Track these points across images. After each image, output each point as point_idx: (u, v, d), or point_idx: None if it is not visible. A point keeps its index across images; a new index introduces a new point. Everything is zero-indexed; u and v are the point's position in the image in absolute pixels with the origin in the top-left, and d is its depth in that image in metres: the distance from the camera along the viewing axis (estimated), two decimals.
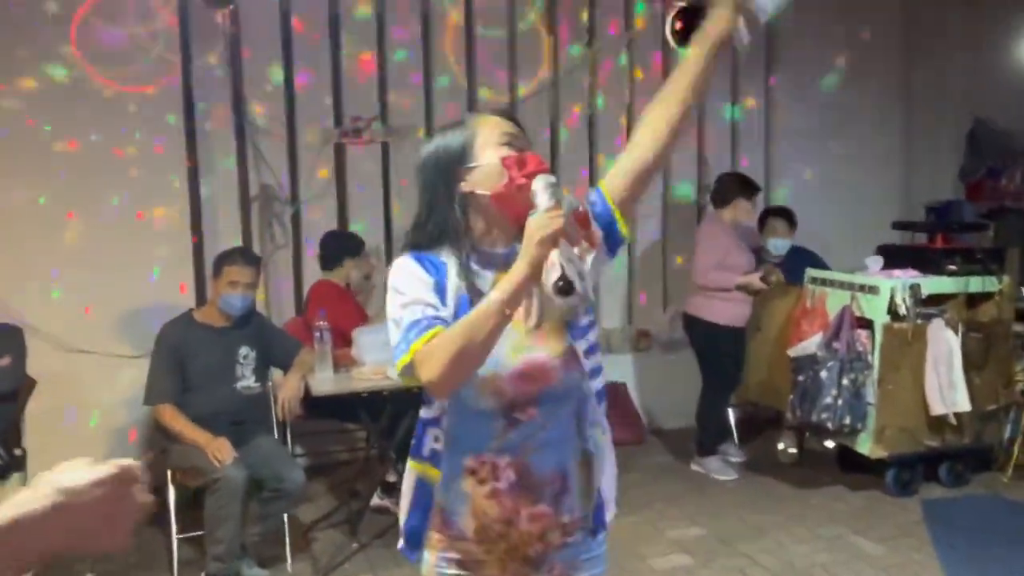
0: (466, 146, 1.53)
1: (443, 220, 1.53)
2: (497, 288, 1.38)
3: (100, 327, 4.34)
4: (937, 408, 4.08)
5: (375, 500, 3.98)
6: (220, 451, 3.19)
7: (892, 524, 3.92)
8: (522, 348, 1.47)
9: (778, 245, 4.80)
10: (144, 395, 3.43)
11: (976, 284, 4.25)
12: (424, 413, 1.60)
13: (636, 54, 5.26)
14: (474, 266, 1.52)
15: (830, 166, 5.71)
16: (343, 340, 3.77)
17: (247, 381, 3.51)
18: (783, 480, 4.48)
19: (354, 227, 4.70)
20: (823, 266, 4.70)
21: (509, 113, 1.63)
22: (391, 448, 3.72)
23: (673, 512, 4.08)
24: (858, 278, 4.22)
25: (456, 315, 1.46)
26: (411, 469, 1.63)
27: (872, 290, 4.10)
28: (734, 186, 4.61)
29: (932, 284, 4.17)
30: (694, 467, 4.64)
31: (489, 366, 1.44)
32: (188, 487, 3.42)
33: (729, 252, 4.51)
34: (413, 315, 1.44)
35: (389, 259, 4.85)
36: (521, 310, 1.45)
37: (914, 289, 4.07)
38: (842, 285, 4.25)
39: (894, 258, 4.42)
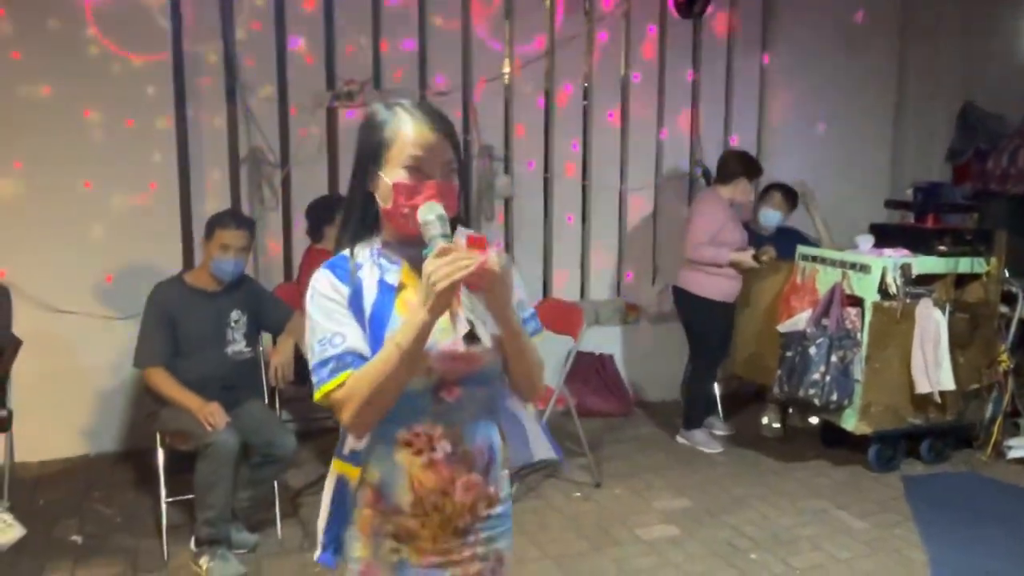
0: (381, 148, 1.51)
1: (357, 214, 1.57)
2: (400, 333, 1.40)
3: (87, 288, 4.29)
4: (922, 386, 4.14)
5: None
6: (213, 416, 3.16)
7: (873, 499, 3.99)
8: (450, 330, 1.45)
9: (769, 216, 4.81)
10: (134, 357, 3.38)
11: (965, 265, 4.30)
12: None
13: (632, 27, 5.22)
14: (383, 261, 1.55)
15: (822, 145, 5.71)
16: None
17: (238, 346, 3.48)
18: (767, 454, 4.54)
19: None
20: (811, 246, 4.72)
21: (437, 122, 1.53)
22: None
23: (659, 483, 4.12)
24: (849, 256, 4.25)
25: (372, 319, 1.49)
26: (332, 471, 1.63)
27: (863, 268, 4.13)
28: (739, 165, 4.60)
29: (922, 264, 4.21)
30: (680, 439, 4.69)
31: None
32: (178, 451, 3.40)
33: (724, 228, 4.51)
34: (324, 350, 1.47)
35: None
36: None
37: (905, 268, 4.11)
38: (833, 263, 4.28)
39: (885, 237, 4.46)
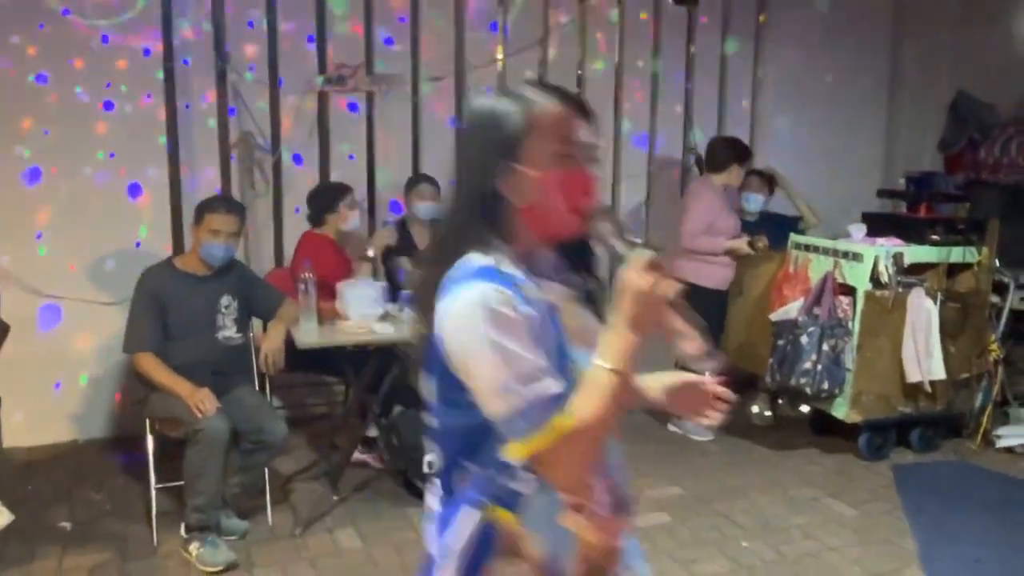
0: (515, 137, 1.23)
1: (478, 218, 1.25)
2: (613, 358, 1.15)
3: (77, 274, 4.25)
4: (913, 375, 4.15)
5: (355, 454, 3.97)
6: (203, 402, 3.14)
7: (864, 487, 4.00)
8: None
9: (752, 200, 4.80)
10: (123, 342, 3.36)
11: (957, 254, 4.30)
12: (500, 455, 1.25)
13: (627, 13, 5.19)
14: (534, 276, 1.26)
15: (815, 133, 5.70)
16: (328, 293, 3.72)
17: (228, 331, 3.45)
18: (758, 442, 4.55)
19: (335, 177, 4.61)
20: (797, 229, 4.73)
21: (583, 106, 1.29)
22: (374, 403, 3.70)
23: (651, 471, 4.12)
24: (842, 245, 4.25)
25: (557, 349, 1.21)
26: (470, 515, 1.28)
27: (856, 257, 4.13)
28: (730, 151, 4.60)
29: (914, 253, 4.21)
30: (672, 428, 4.69)
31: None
32: (167, 437, 3.38)
33: (719, 216, 4.51)
34: (529, 392, 1.14)
35: (372, 213, 4.79)
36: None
37: (897, 257, 4.11)
38: (825, 252, 4.28)
39: (877, 226, 4.46)
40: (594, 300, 1.25)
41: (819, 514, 3.71)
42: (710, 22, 5.40)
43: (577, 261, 1.35)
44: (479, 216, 1.25)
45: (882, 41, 5.86)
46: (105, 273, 4.28)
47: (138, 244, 4.30)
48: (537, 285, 1.25)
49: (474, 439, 1.23)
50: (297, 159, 4.62)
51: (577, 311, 1.33)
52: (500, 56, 4.94)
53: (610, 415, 1.15)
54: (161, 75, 4.29)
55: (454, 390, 1.22)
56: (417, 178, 4.49)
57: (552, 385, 1.16)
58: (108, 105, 4.24)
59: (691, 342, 1.17)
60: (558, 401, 1.15)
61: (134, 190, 4.34)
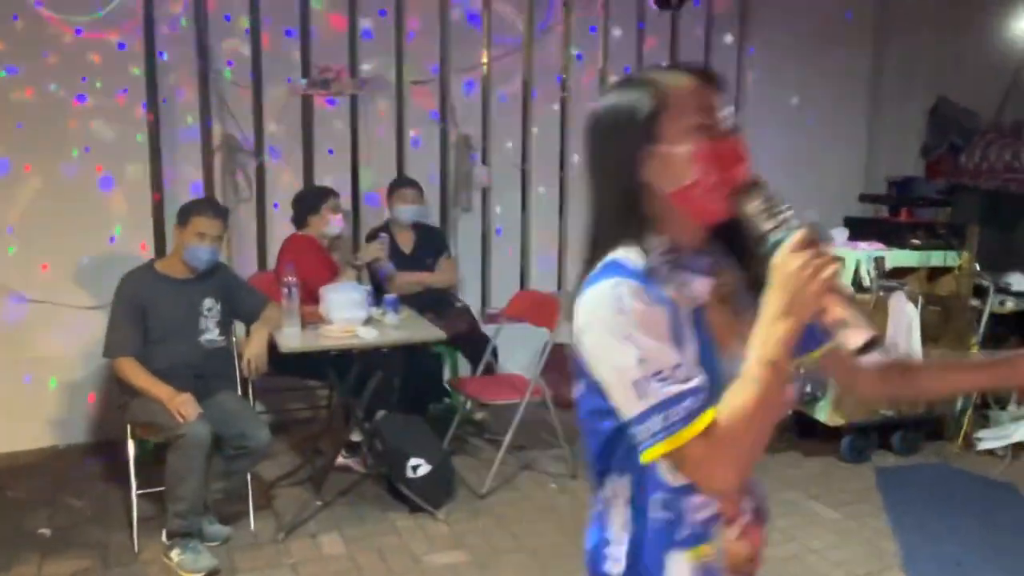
0: (650, 119, 1.16)
1: (621, 213, 1.19)
2: (767, 348, 1.05)
3: (57, 277, 4.22)
4: None
5: (339, 459, 3.95)
6: (184, 407, 3.12)
7: (846, 490, 4.02)
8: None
9: None
10: (104, 347, 3.33)
11: (938, 258, 4.34)
12: (670, 480, 1.19)
13: (611, 18, 5.20)
14: (681, 271, 1.18)
15: (798, 138, 5.74)
16: (312, 296, 3.71)
17: (211, 334, 3.43)
18: None
19: (320, 181, 4.60)
20: None
21: (710, 75, 1.22)
22: (358, 407, 3.69)
23: None
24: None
25: (701, 352, 1.14)
26: (682, 563, 1.21)
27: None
28: None
29: (896, 257, 4.25)
30: None
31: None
32: (149, 442, 3.35)
33: None
34: (662, 388, 1.08)
35: (356, 215, 4.78)
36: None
37: (879, 261, 4.14)
38: None
39: (859, 230, 4.49)
40: (758, 293, 1.10)
41: (801, 516, 3.72)
42: (692, 27, 5.42)
43: (738, 249, 1.22)
44: (624, 211, 1.19)
45: (864, 47, 5.91)
46: (86, 276, 4.25)
47: (112, 239, 4.26)
48: (685, 281, 1.17)
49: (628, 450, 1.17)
50: (274, 153, 4.58)
51: (733, 310, 1.22)
52: (485, 60, 4.94)
53: (764, 412, 1.06)
54: (143, 76, 4.27)
55: (601, 396, 1.16)
56: (399, 181, 4.49)
57: (692, 379, 1.09)
58: (82, 98, 4.20)
59: (855, 331, 1.02)
60: (699, 395, 1.08)
61: (105, 184, 4.29)
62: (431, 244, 4.58)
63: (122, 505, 3.56)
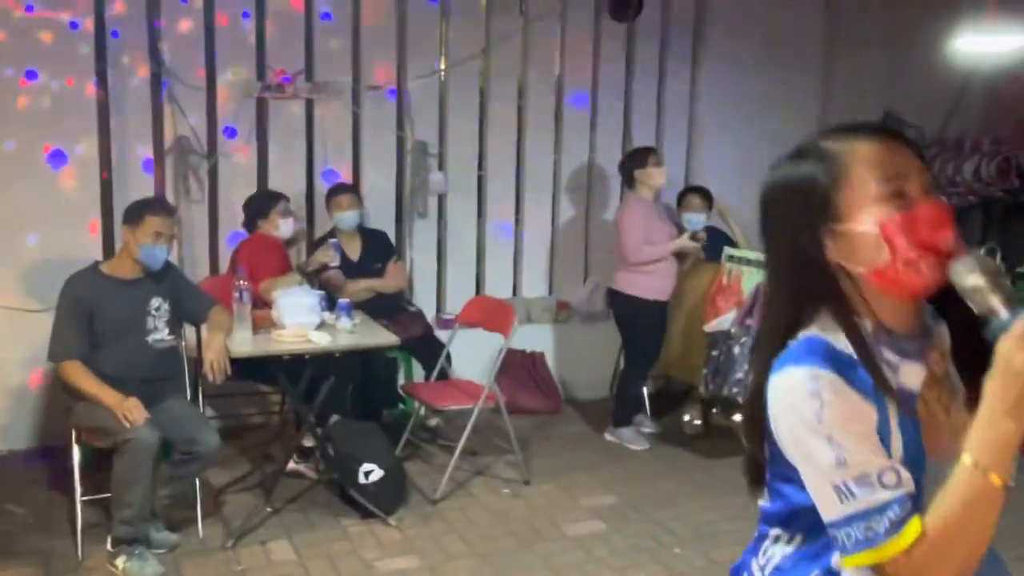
0: (827, 195, 1.07)
1: (814, 296, 1.09)
2: (987, 456, 0.94)
3: (1, 280, 4.12)
4: None
5: (290, 464, 3.92)
6: (131, 412, 3.07)
7: None
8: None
9: (693, 220, 4.87)
10: (49, 351, 3.27)
11: None
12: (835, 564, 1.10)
13: (567, 27, 5.25)
14: (888, 353, 1.07)
15: (751, 149, 5.82)
16: (263, 300, 3.69)
17: (159, 334, 3.38)
18: (692, 451, 4.62)
19: (274, 186, 4.57)
20: (735, 245, 4.83)
21: (894, 134, 1.11)
22: (310, 412, 3.66)
23: (587, 480, 4.16)
24: None
25: (906, 448, 1.04)
26: None
27: None
28: (626, 164, 4.68)
29: None
30: (608, 437, 4.74)
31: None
32: (93, 447, 3.29)
33: (650, 225, 4.55)
34: (868, 495, 0.98)
35: (311, 221, 4.75)
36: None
37: None
38: (758, 264, 4.38)
39: None
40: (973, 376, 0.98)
41: (750, 521, 3.74)
42: (647, 39, 5.48)
43: (954, 323, 1.09)
44: (811, 295, 1.09)
45: (814, 62, 6.03)
46: (31, 279, 4.15)
47: (66, 249, 4.17)
48: (893, 366, 1.07)
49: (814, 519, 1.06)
50: (230, 132, 4.52)
51: (946, 397, 1.11)
52: (443, 66, 4.95)
53: (981, 526, 0.95)
54: (92, 76, 4.20)
55: (788, 466, 1.08)
56: (333, 188, 4.47)
57: (899, 486, 0.98)
58: (35, 105, 4.13)
59: None
60: (904, 504, 0.98)
61: (63, 193, 4.22)
62: (378, 249, 4.56)
63: (66, 512, 3.49)
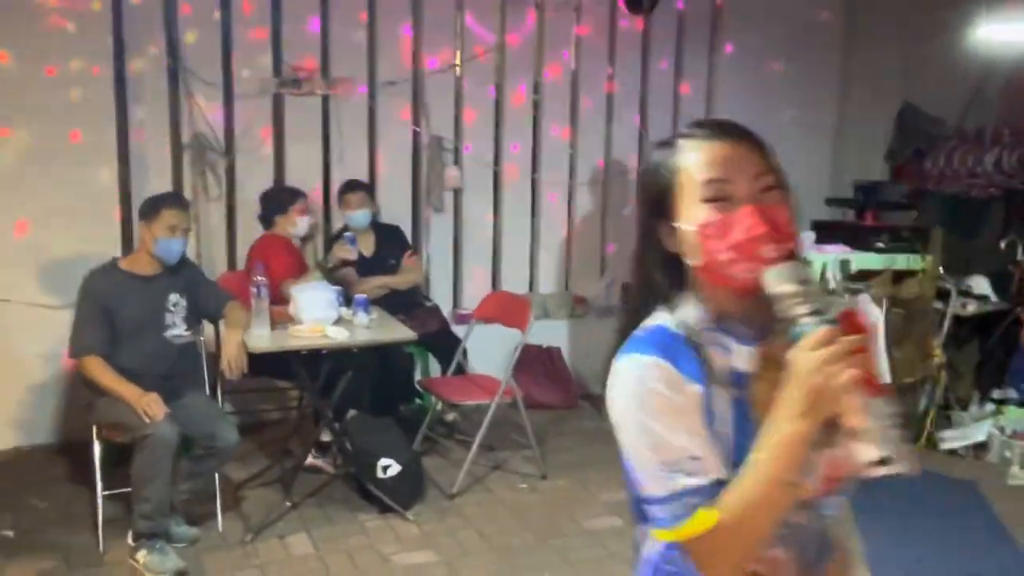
0: (666, 192, 1.13)
1: (651, 284, 1.17)
2: (769, 455, 1.00)
3: (22, 276, 4.16)
4: None
5: (309, 459, 3.94)
6: (151, 407, 3.09)
7: None
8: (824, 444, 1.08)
9: None
10: (69, 347, 3.29)
11: (902, 261, 4.41)
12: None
13: (582, 21, 5.23)
14: (722, 337, 1.12)
15: (766, 141, 5.79)
16: (281, 296, 3.70)
17: (177, 329, 3.40)
18: None
19: (291, 182, 4.58)
20: None
21: (730, 131, 1.15)
22: (328, 407, 3.68)
23: (604, 475, 4.14)
24: None
25: (736, 428, 1.10)
26: None
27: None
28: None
29: (861, 260, 4.32)
30: None
31: None
32: (115, 443, 3.32)
33: None
34: (672, 480, 1.05)
35: (327, 217, 4.76)
36: None
37: (844, 264, 4.21)
38: None
39: (825, 233, 4.55)
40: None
41: None
42: (664, 32, 5.45)
43: (768, 326, 1.12)
44: (658, 280, 1.16)
45: (832, 53, 5.98)
46: (52, 275, 4.19)
47: (86, 246, 4.19)
48: (727, 349, 1.12)
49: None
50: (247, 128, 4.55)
51: (780, 384, 1.11)
52: (457, 61, 4.95)
53: (763, 515, 1.02)
54: (111, 73, 4.22)
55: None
56: (344, 187, 4.46)
57: (703, 476, 1.05)
58: (56, 106, 4.15)
59: (864, 446, 0.94)
60: (705, 494, 1.04)
61: (82, 190, 4.25)
62: (392, 244, 4.56)
63: (87, 506, 3.52)
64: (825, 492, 1.13)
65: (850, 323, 1.02)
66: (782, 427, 0.99)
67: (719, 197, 1.08)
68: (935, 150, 5.87)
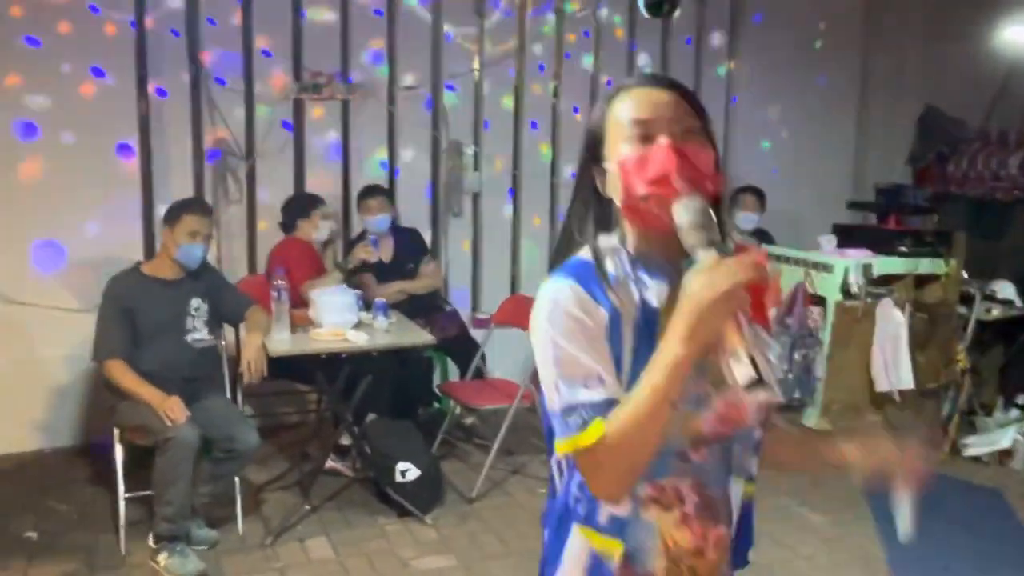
0: (599, 136, 1.22)
1: (582, 220, 1.25)
2: (654, 372, 1.06)
3: (45, 280, 4.20)
4: (882, 384, 4.20)
5: (327, 462, 3.94)
6: (172, 410, 3.11)
7: (834, 496, 4.02)
8: (722, 382, 1.15)
9: (747, 220, 4.84)
10: (92, 350, 3.32)
11: (925, 266, 4.37)
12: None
13: (602, 26, 5.22)
14: (640, 273, 1.19)
15: (787, 146, 5.77)
16: (301, 301, 3.71)
17: (199, 334, 3.42)
18: None
19: (311, 186, 4.60)
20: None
21: (659, 79, 1.23)
22: (347, 411, 3.68)
23: None
24: (813, 256, 4.31)
25: (636, 353, 1.15)
26: (578, 544, 1.26)
27: (826, 268, 4.19)
28: None
29: (883, 264, 4.28)
30: None
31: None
32: (136, 445, 3.34)
33: None
34: (574, 394, 1.12)
35: (346, 221, 4.78)
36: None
37: (867, 268, 4.17)
38: (797, 262, 4.33)
39: (847, 237, 4.52)
40: None
41: (790, 522, 3.73)
42: (683, 37, 5.44)
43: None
44: (586, 219, 1.25)
45: (853, 56, 5.95)
46: (74, 279, 4.22)
47: (108, 251, 4.23)
48: (643, 284, 1.18)
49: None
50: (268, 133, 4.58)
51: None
52: (476, 66, 4.95)
53: (646, 431, 1.08)
54: (133, 80, 4.26)
55: None
56: (363, 192, 4.46)
57: (599, 393, 1.11)
58: (76, 112, 4.19)
59: (741, 367, 0.99)
60: (599, 408, 1.10)
61: (104, 195, 4.28)
62: (411, 248, 4.55)
63: (109, 509, 3.54)
64: (723, 432, 1.19)
65: (746, 256, 1.05)
66: (669, 347, 1.04)
67: (641, 136, 1.16)
68: (958, 153, 5.82)
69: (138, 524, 3.37)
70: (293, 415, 4.71)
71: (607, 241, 1.22)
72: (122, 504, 3.32)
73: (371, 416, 3.93)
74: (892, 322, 4.21)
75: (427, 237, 4.83)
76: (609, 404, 1.10)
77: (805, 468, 1.30)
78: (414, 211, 4.86)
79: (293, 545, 3.39)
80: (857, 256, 4.24)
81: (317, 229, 4.19)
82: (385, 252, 4.44)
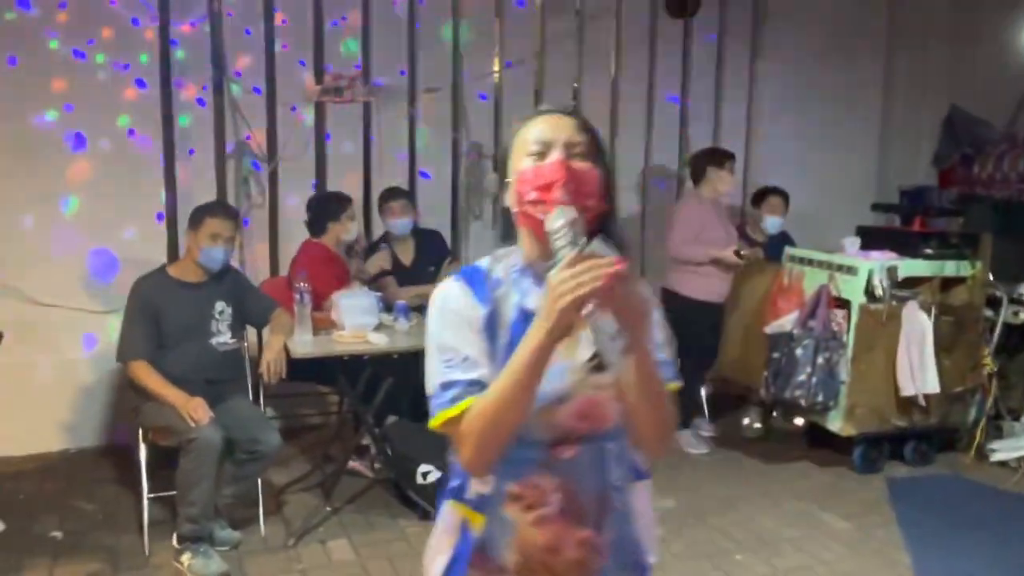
0: (508, 156, 1.38)
1: (502, 230, 1.42)
2: (516, 358, 1.21)
3: (70, 281, 4.24)
4: (907, 388, 4.15)
5: (350, 464, 3.95)
6: (196, 411, 3.13)
7: (857, 500, 4.00)
8: (584, 384, 1.30)
9: (772, 223, 4.80)
10: (117, 351, 3.35)
11: (951, 268, 4.32)
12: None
13: (623, 27, 5.21)
14: (525, 281, 1.35)
15: (811, 148, 5.72)
16: (323, 304, 3.72)
17: (223, 337, 3.44)
18: (752, 455, 4.54)
19: (332, 188, 4.62)
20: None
21: (557, 106, 1.41)
22: (368, 413, 3.69)
23: None
24: (836, 258, 4.26)
25: (507, 350, 1.27)
26: (451, 514, 1.44)
27: (850, 271, 4.14)
28: (703, 159, 4.61)
29: (909, 267, 4.22)
30: None
31: (544, 398, 1.27)
32: (160, 446, 3.36)
33: (705, 227, 4.49)
34: (450, 372, 1.29)
35: (368, 224, 4.79)
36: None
37: (891, 271, 4.12)
38: (820, 264, 4.29)
39: (871, 239, 4.47)
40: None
41: (812, 527, 3.70)
42: (705, 38, 5.42)
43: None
44: (501, 227, 1.43)
45: (876, 56, 5.89)
46: (99, 281, 4.27)
47: (133, 252, 4.27)
48: (526, 290, 1.34)
49: None
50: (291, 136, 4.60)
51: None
52: (496, 68, 4.95)
53: (504, 410, 1.22)
54: (157, 83, 4.30)
55: None
56: (385, 195, 4.43)
57: (471, 373, 1.28)
58: (102, 115, 4.22)
59: (584, 348, 1.23)
60: (471, 387, 1.27)
61: (129, 197, 4.33)
62: (432, 251, 4.52)
63: (133, 509, 3.58)
64: (580, 428, 1.32)
65: (604, 259, 1.16)
66: (531, 336, 1.19)
67: (540, 153, 1.31)
68: (984, 154, 5.75)
69: (161, 524, 3.39)
70: (315, 417, 4.73)
71: (506, 251, 1.39)
72: (146, 504, 3.35)
73: (392, 418, 3.94)
74: (917, 325, 4.15)
75: (448, 240, 4.83)
76: (480, 385, 1.27)
77: (641, 389, 1.25)
78: (435, 214, 4.86)
79: (315, 547, 3.41)
80: (882, 258, 4.19)
81: (348, 231, 4.14)
82: (406, 257, 4.43)
